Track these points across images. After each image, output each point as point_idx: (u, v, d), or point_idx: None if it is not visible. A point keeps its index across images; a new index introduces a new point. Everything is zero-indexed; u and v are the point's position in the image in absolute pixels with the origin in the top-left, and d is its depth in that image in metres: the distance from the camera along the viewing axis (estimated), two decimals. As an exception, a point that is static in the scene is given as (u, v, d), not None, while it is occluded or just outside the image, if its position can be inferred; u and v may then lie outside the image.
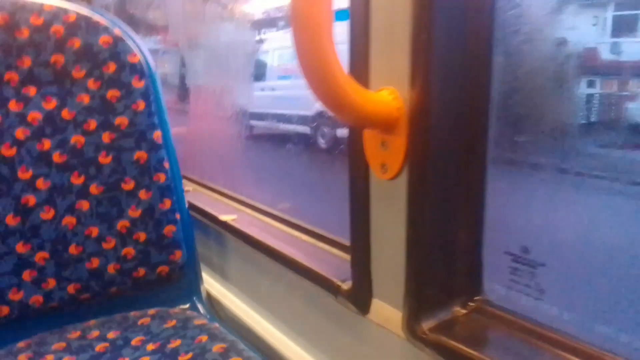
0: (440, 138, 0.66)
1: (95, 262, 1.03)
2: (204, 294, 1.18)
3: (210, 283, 1.29)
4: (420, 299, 0.71)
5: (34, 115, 0.98)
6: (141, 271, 1.07)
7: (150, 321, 1.04)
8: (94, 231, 1.02)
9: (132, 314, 1.06)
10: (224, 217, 1.16)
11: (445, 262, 0.71)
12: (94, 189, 1.02)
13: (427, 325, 0.70)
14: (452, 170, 0.68)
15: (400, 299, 0.72)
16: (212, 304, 1.23)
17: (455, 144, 0.67)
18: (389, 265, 0.74)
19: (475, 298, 0.72)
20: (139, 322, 1.03)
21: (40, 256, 0.98)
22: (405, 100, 0.65)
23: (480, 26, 0.64)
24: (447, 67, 0.64)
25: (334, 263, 0.91)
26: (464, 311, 0.72)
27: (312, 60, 0.58)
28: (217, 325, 1.01)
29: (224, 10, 1.71)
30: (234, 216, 1.17)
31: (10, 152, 0.96)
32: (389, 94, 0.67)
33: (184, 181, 1.55)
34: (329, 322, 0.93)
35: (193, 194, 1.41)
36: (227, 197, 1.34)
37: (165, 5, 2.15)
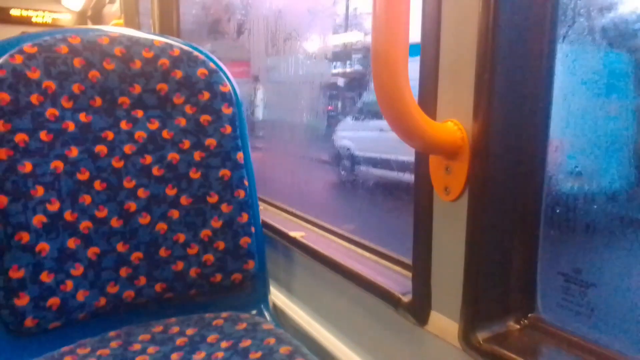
0: (499, 165, 0.74)
1: (180, 265, 1.16)
2: (270, 303, 1.28)
3: (276, 294, 1.39)
4: (477, 312, 0.77)
5: (140, 134, 1.15)
6: (218, 277, 1.19)
7: (224, 323, 1.15)
8: (181, 237, 1.16)
9: (207, 315, 1.18)
10: (293, 234, 1.27)
11: (501, 279, 0.77)
12: (184, 200, 1.16)
13: (482, 336, 0.76)
14: (510, 194, 0.75)
15: (457, 312, 0.79)
16: (277, 313, 1.33)
17: (513, 171, 0.75)
18: (448, 280, 0.81)
19: (530, 315, 0.78)
20: (214, 323, 1.14)
21: (136, 256, 1.13)
22: (468, 131, 0.74)
23: (539, 68, 0.73)
24: (506, 104, 0.73)
25: (395, 278, 0.99)
26: (517, 326, 0.77)
27: (389, 92, 0.68)
28: (282, 331, 1.11)
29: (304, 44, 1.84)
30: (302, 233, 1.28)
31: (119, 164, 1.12)
32: (453, 125, 0.76)
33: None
34: (388, 333, 1.00)
35: (263, 212, 1.54)
36: (294, 215, 1.45)
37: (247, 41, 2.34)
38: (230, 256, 1.19)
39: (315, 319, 1.24)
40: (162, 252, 1.15)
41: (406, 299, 0.90)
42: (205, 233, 1.17)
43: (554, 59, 0.73)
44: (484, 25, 0.70)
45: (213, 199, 1.18)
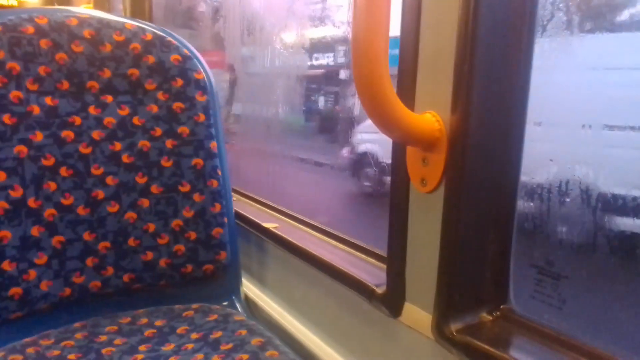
0: (476, 158, 0.74)
1: (149, 255, 1.13)
2: (242, 295, 1.27)
3: (248, 286, 1.37)
4: (450, 303, 0.77)
5: (109, 120, 1.11)
6: (189, 267, 1.16)
7: (194, 314, 1.12)
8: (151, 227, 1.13)
9: (178, 306, 1.15)
10: (266, 225, 1.26)
11: (475, 270, 0.78)
12: (154, 188, 1.13)
13: (455, 327, 0.76)
14: (486, 186, 0.76)
15: (431, 303, 0.79)
16: (250, 304, 1.32)
17: (490, 164, 0.75)
18: (422, 271, 0.82)
19: (502, 306, 0.79)
20: (184, 314, 1.12)
21: (103, 245, 1.09)
22: (446, 123, 0.74)
23: (519, 59, 0.73)
24: (485, 97, 0.73)
25: (369, 270, 0.99)
26: (490, 317, 0.78)
27: (368, 82, 0.68)
28: (254, 322, 1.09)
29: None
30: (275, 224, 1.26)
31: (86, 150, 1.08)
32: (431, 116, 0.76)
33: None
34: (361, 324, 1.00)
35: (237, 204, 1.51)
36: (268, 207, 1.43)
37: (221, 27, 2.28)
38: (201, 246, 1.16)
39: (288, 311, 1.23)
40: (131, 242, 1.11)
41: (380, 290, 0.90)
42: (176, 223, 1.15)
43: (532, 53, 0.73)
44: (463, 17, 0.70)
45: (185, 188, 1.15)
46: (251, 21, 1.91)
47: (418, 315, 0.83)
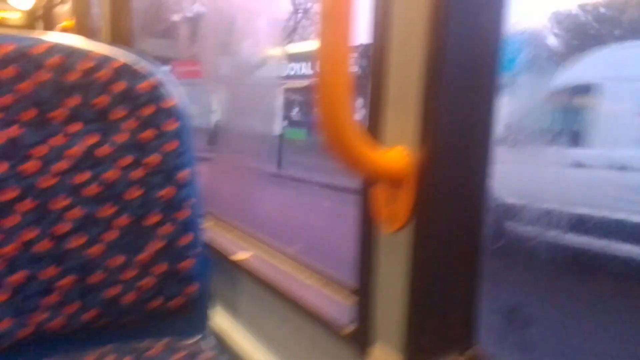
0: (444, 196, 0.73)
1: (115, 291, 1.09)
2: (213, 329, 1.23)
3: (221, 318, 1.33)
4: (420, 345, 0.75)
5: (75, 150, 1.07)
6: (157, 302, 1.12)
7: (162, 351, 1.08)
8: (117, 261, 1.09)
9: (146, 343, 1.11)
10: (237, 257, 1.22)
11: (444, 312, 0.76)
12: (122, 221, 1.09)
13: (424, 370, 0.74)
14: (453, 225, 0.74)
15: (400, 344, 0.77)
16: (221, 338, 1.28)
17: (458, 202, 0.74)
18: (391, 311, 0.79)
19: (470, 348, 0.77)
20: (151, 352, 1.08)
21: (67, 281, 1.05)
22: (414, 158, 0.72)
23: (484, 95, 0.72)
24: (452, 132, 0.72)
25: (340, 307, 0.96)
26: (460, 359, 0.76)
27: (332, 120, 0.66)
28: (224, 359, 1.06)
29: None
30: (248, 254, 1.23)
31: (51, 182, 1.04)
32: (400, 151, 0.74)
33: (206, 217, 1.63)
34: None
35: (213, 230, 1.48)
36: (245, 233, 1.40)
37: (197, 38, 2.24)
38: (170, 280, 1.12)
39: (260, 346, 1.20)
40: (96, 277, 1.07)
41: (349, 329, 0.87)
42: (143, 256, 1.11)
43: (497, 88, 0.73)
44: (430, 53, 0.69)
45: (153, 219, 1.11)
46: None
47: (387, 356, 0.80)
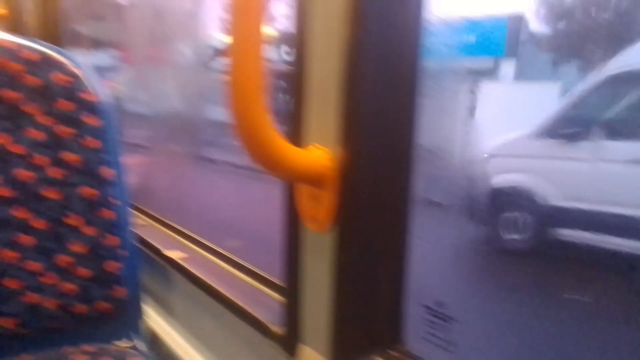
0: (367, 195, 0.71)
1: (34, 297, 1.02)
2: (146, 331, 1.18)
3: (155, 319, 1.29)
4: (343, 346, 0.74)
5: None
6: (81, 307, 1.06)
7: (86, 358, 1.03)
8: (35, 266, 1.02)
9: (69, 349, 1.05)
10: (172, 255, 1.18)
11: (368, 312, 0.74)
12: (37, 223, 1.02)
13: (348, 372, 0.73)
14: (378, 224, 0.73)
15: (325, 346, 0.75)
16: (155, 340, 1.23)
17: (381, 199, 0.72)
18: (317, 313, 0.77)
19: (396, 347, 0.76)
20: (75, 358, 1.03)
21: None
22: (335, 158, 0.70)
23: (406, 92, 0.71)
24: (373, 130, 0.70)
25: (270, 307, 0.94)
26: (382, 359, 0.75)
27: (246, 120, 0.63)
28: None
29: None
30: (182, 254, 1.19)
31: None
32: (320, 152, 0.72)
33: (138, 215, 1.56)
34: None
35: (147, 230, 1.42)
36: (179, 233, 1.35)
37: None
38: (95, 284, 1.07)
39: (193, 346, 1.16)
40: (12, 284, 1.00)
41: (278, 330, 0.85)
42: (64, 260, 1.04)
43: (419, 84, 0.71)
44: (348, 48, 0.66)
45: (73, 221, 1.05)
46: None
47: (312, 357, 0.79)
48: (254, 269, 1.08)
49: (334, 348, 0.74)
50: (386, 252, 0.74)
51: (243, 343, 1.00)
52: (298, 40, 0.74)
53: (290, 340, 0.83)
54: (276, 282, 1.01)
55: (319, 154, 0.71)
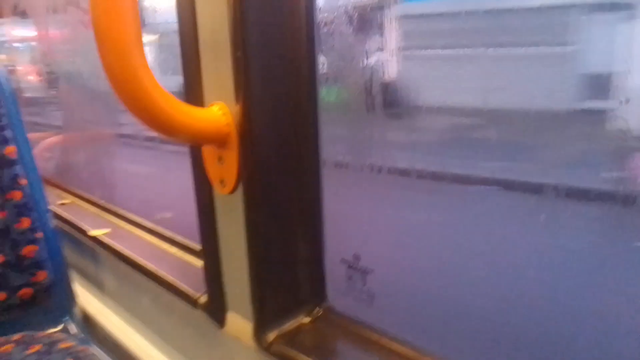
0: (270, 151, 0.67)
1: None
2: (78, 314, 1.13)
3: (88, 300, 1.23)
4: (266, 309, 0.71)
5: None
6: (0, 295, 1.00)
7: (14, 347, 0.97)
8: None
9: None
10: (93, 232, 1.12)
11: (288, 272, 0.72)
12: None
13: (273, 335, 0.71)
14: (286, 182, 0.69)
15: (251, 312, 0.73)
16: (89, 323, 1.18)
17: (287, 155, 0.68)
18: (237, 277, 0.74)
19: (320, 305, 0.74)
20: (1, 350, 0.97)
21: None
22: (234, 114, 0.65)
23: (300, 40, 0.65)
24: (267, 81, 0.64)
25: (197, 277, 0.90)
26: (309, 319, 0.73)
27: (124, 82, 0.56)
28: (86, 347, 0.97)
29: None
30: (106, 230, 1.13)
31: None
32: (219, 109, 0.66)
33: (61, 193, 1.48)
34: (193, 335, 0.92)
35: (70, 207, 1.34)
36: (103, 209, 1.28)
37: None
38: (12, 270, 1.00)
39: (128, 323, 1.12)
40: None
41: (203, 299, 0.82)
42: None
43: (314, 33, 0.66)
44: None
45: None
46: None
47: (240, 324, 0.76)
48: (177, 239, 1.03)
49: (259, 312, 0.72)
50: (298, 210, 0.70)
51: (176, 316, 0.97)
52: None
53: (215, 309, 0.80)
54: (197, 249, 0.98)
55: (218, 112, 0.66)
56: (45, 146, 1.66)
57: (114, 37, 0.54)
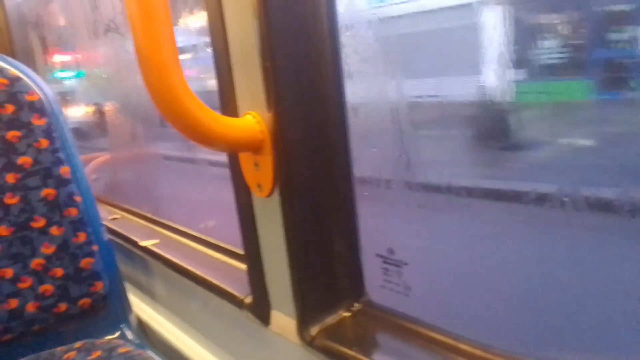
0: (303, 154, 0.70)
1: (13, 303, 1.03)
2: (133, 321, 1.20)
3: (142, 308, 1.30)
4: (308, 306, 0.75)
5: None
6: (62, 306, 1.07)
7: (76, 355, 1.05)
8: (8, 272, 1.03)
9: (59, 349, 1.07)
10: (143, 243, 1.18)
11: (327, 269, 0.75)
12: (3, 230, 1.03)
13: (315, 330, 0.74)
14: (320, 182, 0.72)
15: (294, 309, 0.76)
16: (144, 328, 1.25)
17: (319, 157, 0.72)
18: (279, 277, 0.78)
19: (359, 300, 0.77)
20: (65, 357, 1.04)
21: None
22: (267, 122, 0.69)
23: (324, 49, 0.69)
24: (296, 88, 0.68)
25: (241, 278, 0.95)
26: (349, 314, 0.76)
27: (165, 99, 0.61)
28: (142, 351, 1.03)
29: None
30: (155, 240, 1.19)
31: None
32: (252, 117, 0.71)
33: (111, 209, 1.56)
34: (239, 334, 0.96)
35: (121, 221, 1.43)
36: (151, 221, 1.36)
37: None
38: (71, 282, 1.08)
39: (178, 327, 1.18)
40: None
41: (248, 300, 0.86)
42: (37, 262, 1.05)
43: (338, 40, 0.69)
44: (261, 10, 0.64)
45: (39, 223, 1.05)
46: None
47: (284, 321, 0.80)
48: (221, 245, 1.08)
49: (301, 309, 0.75)
50: (333, 208, 0.74)
51: (223, 318, 1.02)
52: (214, 12, 0.71)
53: (260, 308, 0.84)
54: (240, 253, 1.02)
55: (252, 121, 0.70)
56: (94, 167, 1.76)
57: (154, 58, 0.59)
